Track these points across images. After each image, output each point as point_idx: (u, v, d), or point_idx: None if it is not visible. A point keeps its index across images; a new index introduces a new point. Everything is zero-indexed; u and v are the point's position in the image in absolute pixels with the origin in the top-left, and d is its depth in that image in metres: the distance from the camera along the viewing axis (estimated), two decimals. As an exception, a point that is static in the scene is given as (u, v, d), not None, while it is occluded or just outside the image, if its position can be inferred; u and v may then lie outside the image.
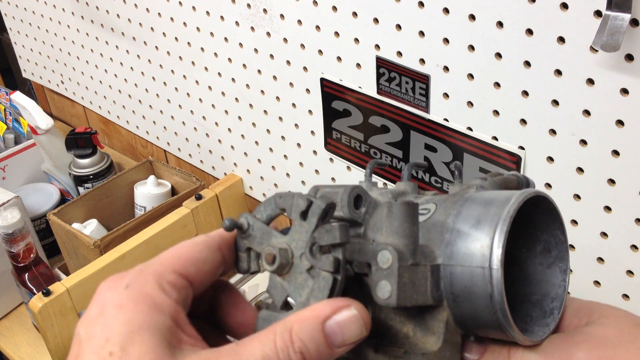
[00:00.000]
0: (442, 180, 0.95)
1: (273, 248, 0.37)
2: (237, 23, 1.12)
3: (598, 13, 0.68)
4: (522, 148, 0.83)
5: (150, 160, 1.44)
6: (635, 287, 0.81)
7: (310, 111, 1.10)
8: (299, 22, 1.02)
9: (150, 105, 1.48)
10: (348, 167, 1.10)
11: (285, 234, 0.37)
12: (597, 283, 0.85)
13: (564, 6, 0.71)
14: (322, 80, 1.04)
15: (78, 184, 1.46)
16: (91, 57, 1.56)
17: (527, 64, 0.77)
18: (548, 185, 0.83)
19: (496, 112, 0.83)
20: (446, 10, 0.82)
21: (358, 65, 0.97)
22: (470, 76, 0.84)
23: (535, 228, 0.41)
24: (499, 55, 0.79)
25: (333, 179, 1.14)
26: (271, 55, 1.10)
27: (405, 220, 0.35)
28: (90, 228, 1.31)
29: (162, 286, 0.36)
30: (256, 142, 1.26)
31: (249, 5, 1.08)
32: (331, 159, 1.12)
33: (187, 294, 0.37)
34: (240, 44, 1.15)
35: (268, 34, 1.08)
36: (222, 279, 0.41)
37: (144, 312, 0.34)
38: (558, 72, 0.75)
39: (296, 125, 1.14)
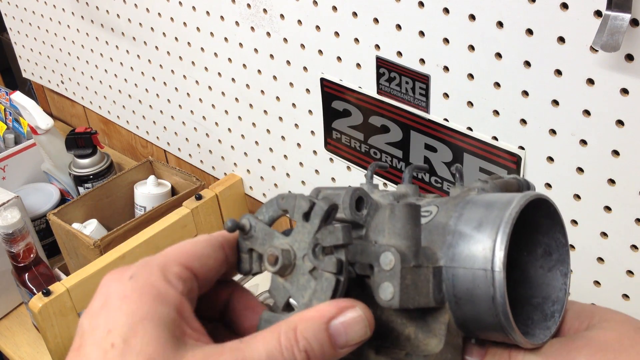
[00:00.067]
0: (442, 180, 0.95)
1: (275, 249, 0.37)
2: (237, 23, 1.12)
3: (598, 13, 0.68)
4: (522, 148, 0.83)
5: (150, 160, 1.44)
6: (635, 287, 0.81)
7: (310, 111, 1.10)
8: (299, 22, 1.02)
9: (150, 105, 1.48)
10: (348, 167, 1.10)
11: (288, 235, 0.37)
12: (597, 283, 0.85)
13: (564, 6, 0.71)
14: (322, 80, 1.04)
15: (78, 184, 1.46)
16: (91, 57, 1.56)
17: (527, 64, 0.77)
18: (548, 186, 0.83)
19: (496, 112, 0.84)
20: (446, 10, 0.82)
21: (358, 65, 0.97)
22: (470, 76, 0.84)
23: (536, 231, 0.41)
24: (499, 55, 0.79)
25: (333, 179, 1.14)
26: (271, 55, 1.10)
27: (408, 222, 0.36)
28: (90, 228, 1.31)
29: (167, 277, 0.35)
30: (256, 142, 1.26)
31: (249, 5, 1.08)
32: (331, 159, 1.12)
33: (193, 286, 0.36)
34: (240, 44, 1.15)
35: (268, 34, 1.08)
36: (234, 281, 0.41)
37: (148, 303, 0.33)
38: (558, 72, 0.75)
39: (296, 125, 1.14)
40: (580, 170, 0.79)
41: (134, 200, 1.40)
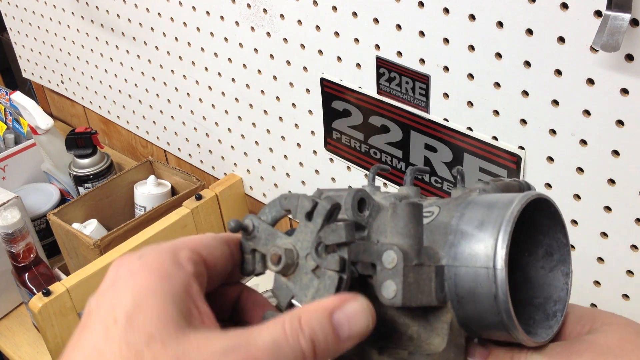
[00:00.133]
0: (442, 180, 0.95)
1: (278, 248, 0.37)
2: (237, 23, 1.13)
3: (598, 13, 0.68)
4: (522, 148, 0.83)
5: (150, 160, 1.44)
6: (635, 287, 0.81)
7: (310, 111, 1.10)
8: (299, 22, 1.02)
9: (150, 105, 1.48)
10: (348, 167, 1.10)
11: (290, 235, 0.38)
12: (597, 283, 0.85)
13: (564, 6, 0.71)
14: (322, 80, 1.04)
15: (78, 184, 1.46)
16: (91, 57, 1.56)
17: (527, 64, 0.77)
18: (548, 185, 0.83)
19: (496, 112, 0.84)
20: (446, 10, 0.82)
21: (358, 65, 0.97)
22: (470, 76, 0.84)
23: (537, 232, 0.41)
24: (499, 55, 0.79)
25: (333, 179, 1.14)
26: (271, 55, 1.10)
27: (410, 221, 0.36)
28: (90, 228, 1.31)
29: (176, 258, 0.35)
30: (256, 142, 1.26)
31: (249, 5, 1.08)
32: (331, 159, 1.12)
33: (202, 270, 0.36)
34: (240, 44, 1.15)
35: (268, 34, 1.08)
36: (242, 283, 0.41)
37: (154, 280, 0.33)
38: (558, 72, 0.75)
39: (296, 125, 1.14)
40: (580, 170, 0.79)
41: (134, 200, 1.40)
